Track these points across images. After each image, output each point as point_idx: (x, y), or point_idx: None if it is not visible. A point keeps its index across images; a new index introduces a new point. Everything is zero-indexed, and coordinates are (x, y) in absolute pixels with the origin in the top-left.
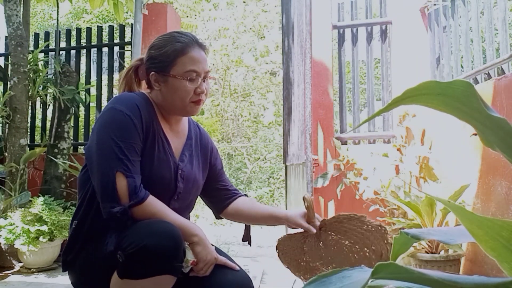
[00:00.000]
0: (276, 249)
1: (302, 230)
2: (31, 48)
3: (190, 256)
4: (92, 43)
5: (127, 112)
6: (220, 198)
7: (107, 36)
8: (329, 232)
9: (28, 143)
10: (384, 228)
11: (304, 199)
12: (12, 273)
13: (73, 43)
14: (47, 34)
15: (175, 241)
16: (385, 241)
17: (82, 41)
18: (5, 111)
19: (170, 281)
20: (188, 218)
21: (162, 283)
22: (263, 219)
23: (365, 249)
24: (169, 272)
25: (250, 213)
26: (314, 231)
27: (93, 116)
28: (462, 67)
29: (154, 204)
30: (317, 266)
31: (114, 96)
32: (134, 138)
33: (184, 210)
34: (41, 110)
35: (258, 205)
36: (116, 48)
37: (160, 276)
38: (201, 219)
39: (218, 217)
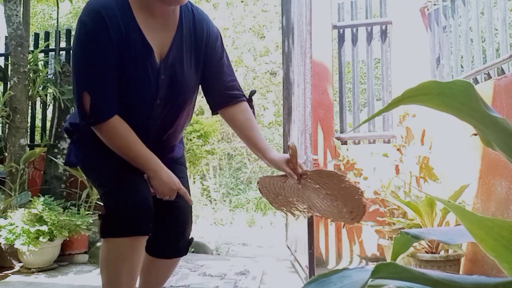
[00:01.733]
0: (258, 183)
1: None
2: (31, 48)
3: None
4: None
5: (92, 25)
6: (215, 99)
7: None
8: (309, 180)
9: (28, 143)
10: (361, 190)
11: (289, 147)
12: (12, 273)
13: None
14: (47, 34)
15: (148, 207)
16: (359, 201)
17: None
18: (5, 111)
19: (144, 238)
20: (181, 129)
21: (136, 240)
22: (250, 145)
23: (339, 202)
24: (143, 233)
25: (242, 131)
26: (295, 177)
27: None
28: (462, 67)
29: (117, 129)
30: (293, 201)
31: None
32: (100, 54)
33: (175, 116)
34: (41, 110)
35: (250, 127)
36: None
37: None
38: (201, 219)
39: (212, 113)
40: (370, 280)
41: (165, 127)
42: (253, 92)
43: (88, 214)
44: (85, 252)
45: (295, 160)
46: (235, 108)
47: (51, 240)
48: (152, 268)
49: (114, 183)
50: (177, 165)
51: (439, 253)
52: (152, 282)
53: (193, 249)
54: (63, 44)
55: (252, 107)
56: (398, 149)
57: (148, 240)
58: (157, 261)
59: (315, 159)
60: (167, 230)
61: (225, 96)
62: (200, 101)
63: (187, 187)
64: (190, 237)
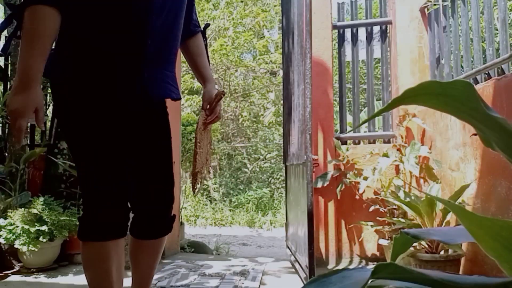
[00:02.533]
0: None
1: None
2: None
3: None
4: None
5: None
6: (183, 30)
7: None
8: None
9: (28, 143)
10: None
11: (218, 91)
12: (12, 273)
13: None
14: None
15: (128, 208)
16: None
17: None
18: (5, 111)
19: (122, 240)
20: (177, 43)
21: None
22: (196, 71)
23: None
24: (123, 236)
25: (191, 56)
26: (204, 110)
27: None
28: (462, 67)
29: (41, 19)
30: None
31: None
32: None
33: (175, 12)
34: None
35: (199, 54)
36: None
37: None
38: (200, 219)
39: None
40: (370, 280)
41: (168, 23)
42: (207, 25)
43: None
44: None
45: (215, 102)
46: (195, 37)
47: (51, 240)
48: (140, 252)
49: (95, 176)
50: (158, 119)
51: (439, 253)
52: (143, 266)
53: (193, 249)
54: None
55: (205, 38)
56: (398, 149)
57: (132, 223)
58: (142, 243)
59: (315, 159)
60: (149, 212)
61: (190, 26)
62: (200, 100)
63: (166, 149)
64: (172, 215)
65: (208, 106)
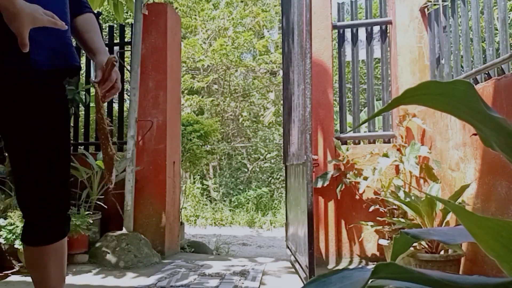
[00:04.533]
0: None
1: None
2: None
3: None
4: None
5: None
6: (71, 8)
7: (107, 36)
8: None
9: None
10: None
11: (108, 60)
12: (12, 273)
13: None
14: None
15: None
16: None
17: None
18: None
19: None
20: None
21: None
22: (86, 47)
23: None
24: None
25: (80, 39)
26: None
27: (93, 116)
28: (462, 67)
29: None
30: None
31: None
32: None
33: None
34: None
35: (86, 34)
36: (116, 48)
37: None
38: (200, 219)
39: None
40: (370, 280)
41: None
42: (99, 13)
43: (88, 214)
44: (85, 252)
45: (108, 69)
46: (84, 16)
47: None
48: (45, 260)
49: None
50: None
51: (439, 253)
52: (53, 277)
53: (193, 249)
54: None
55: (99, 23)
56: (398, 149)
57: (27, 230)
58: (45, 250)
59: (315, 159)
60: (43, 215)
61: (79, 7)
62: (200, 101)
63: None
64: (67, 217)
65: (102, 76)
